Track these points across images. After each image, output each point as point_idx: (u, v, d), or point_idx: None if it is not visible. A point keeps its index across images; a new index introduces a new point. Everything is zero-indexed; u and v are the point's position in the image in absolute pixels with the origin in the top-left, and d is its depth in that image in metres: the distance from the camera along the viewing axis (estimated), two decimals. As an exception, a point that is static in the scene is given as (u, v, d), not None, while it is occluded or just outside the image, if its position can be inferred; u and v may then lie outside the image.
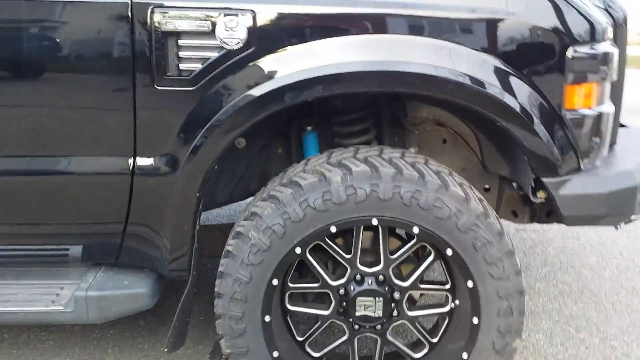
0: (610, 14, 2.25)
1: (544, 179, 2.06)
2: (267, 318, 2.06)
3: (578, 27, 2.01)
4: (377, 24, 1.94)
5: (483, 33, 1.98)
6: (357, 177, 1.94)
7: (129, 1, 1.89)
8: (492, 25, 1.98)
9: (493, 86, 1.95)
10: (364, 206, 1.96)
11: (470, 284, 2.03)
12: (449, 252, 2.01)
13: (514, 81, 1.98)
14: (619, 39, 2.30)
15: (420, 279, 2.14)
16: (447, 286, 2.13)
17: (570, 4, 2.02)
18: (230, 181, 2.49)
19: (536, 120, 1.99)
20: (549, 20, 1.99)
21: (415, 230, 1.99)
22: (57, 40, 1.92)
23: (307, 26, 1.94)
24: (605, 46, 2.06)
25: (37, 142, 2.02)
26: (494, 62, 1.97)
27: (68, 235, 2.19)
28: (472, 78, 1.94)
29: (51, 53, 1.94)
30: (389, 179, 1.94)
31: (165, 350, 2.20)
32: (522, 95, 1.98)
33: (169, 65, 1.92)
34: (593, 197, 2.07)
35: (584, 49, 2.01)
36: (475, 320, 2.07)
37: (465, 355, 2.09)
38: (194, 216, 2.05)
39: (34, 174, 2.07)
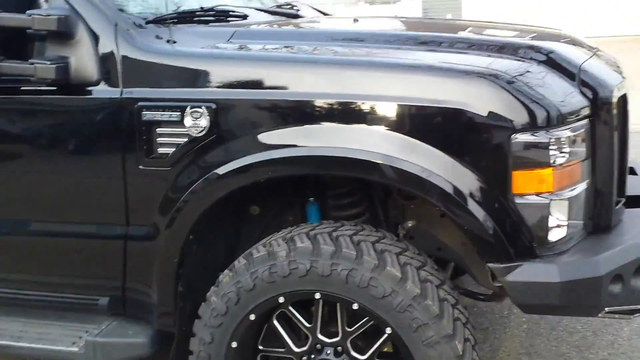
0: (591, 92, 2.14)
1: (489, 264, 2.03)
2: (230, 377, 2.24)
3: (524, 113, 1.97)
4: (318, 113, 2.09)
5: (422, 121, 2.03)
6: (300, 253, 2.08)
7: (120, 97, 2.24)
8: (432, 113, 2.03)
9: (419, 168, 1.98)
10: (306, 280, 2.08)
11: (411, 364, 2.05)
12: (388, 330, 2.05)
13: (451, 166, 2.00)
14: (608, 115, 2.17)
15: (378, 354, 2.18)
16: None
17: (519, 91, 1.99)
18: (249, 244, 2.71)
19: (473, 205, 1.98)
20: (493, 108, 1.98)
21: (355, 306, 2.07)
22: (66, 129, 2.33)
23: (259, 117, 2.14)
24: (560, 131, 1.99)
25: (63, 211, 2.43)
26: (427, 147, 2.00)
27: (96, 287, 2.55)
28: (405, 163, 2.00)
29: (63, 141, 2.36)
30: (327, 256, 2.05)
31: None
32: (459, 180, 1.99)
33: (151, 148, 2.23)
34: (543, 285, 1.98)
35: (531, 135, 1.97)
36: (420, 401, 2.07)
37: None
38: (175, 278, 2.31)
39: (64, 235, 2.47)
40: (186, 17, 2.54)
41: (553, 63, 2.19)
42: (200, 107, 2.16)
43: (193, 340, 2.27)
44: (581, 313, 2.16)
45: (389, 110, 2.04)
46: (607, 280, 2.00)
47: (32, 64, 2.21)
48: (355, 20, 2.91)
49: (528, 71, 2.09)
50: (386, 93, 2.05)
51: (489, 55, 2.19)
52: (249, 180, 2.16)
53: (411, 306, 2.00)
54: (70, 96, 2.30)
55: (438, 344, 2.00)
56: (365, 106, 2.05)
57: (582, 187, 2.09)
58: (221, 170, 2.15)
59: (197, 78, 2.21)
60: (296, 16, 3.09)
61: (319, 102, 2.09)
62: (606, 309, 2.06)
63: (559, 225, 2.04)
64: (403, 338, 2.04)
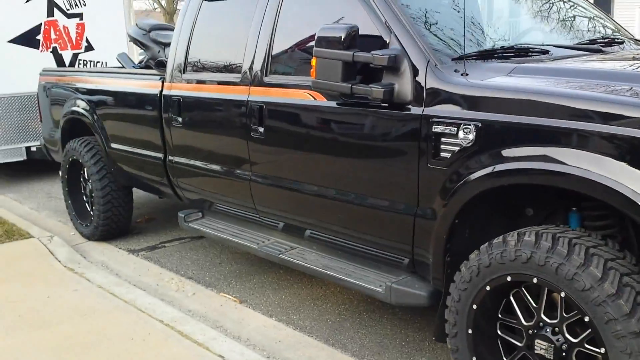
0: None
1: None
2: (470, 331, 2.83)
3: None
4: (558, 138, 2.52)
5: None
6: (525, 244, 2.56)
7: (422, 114, 3.00)
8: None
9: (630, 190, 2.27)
10: (527, 266, 2.55)
11: (602, 350, 2.37)
12: (587, 319, 2.40)
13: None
14: None
15: (587, 340, 2.52)
16: (602, 350, 2.44)
17: None
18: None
19: None
20: None
21: (562, 294, 2.46)
22: (381, 138, 3.18)
23: (514, 135, 2.66)
24: None
25: (379, 189, 3.28)
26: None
27: (399, 249, 3.37)
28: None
29: (377, 146, 3.21)
30: (544, 250, 2.49)
31: (433, 338, 3.18)
32: None
33: (437, 152, 2.94)
34: None
35: None
36: (609, 383, 2.37)
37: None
38: (444, 250, 2.99)
39: (378, 208, 3.31)
40: (487, 54, 3.15)
41: None
42: (470, 124, 2.79)
43: (449, 297, 2.92)
44: None
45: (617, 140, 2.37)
46: None
47: (370, 87, 3.11)
48: (635, 58, 3.10)
49: None
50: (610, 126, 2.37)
51: None
52: (497, 184, 2.70)
53: (605, 302, 2.32)
54: (392, 111, 3.14)
55: (625, 338, 2.28)
56: (596, 135, 2.41)
57: None
58: (479, 174, 2.75)
59: (472, 102, 2.83)
60: (599, 51, 3.38)
61: (560, 130, 2.52)
62: None
63: None
64: (597, 326, 2.36)
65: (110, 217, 5.72)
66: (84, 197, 6.04)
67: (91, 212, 5.89)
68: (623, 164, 2.35)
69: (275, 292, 4.59)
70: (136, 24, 6.31)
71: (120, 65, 6.52)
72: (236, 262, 5.24)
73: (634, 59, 3.14)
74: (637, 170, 2.32)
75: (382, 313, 4.15)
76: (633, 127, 2.33)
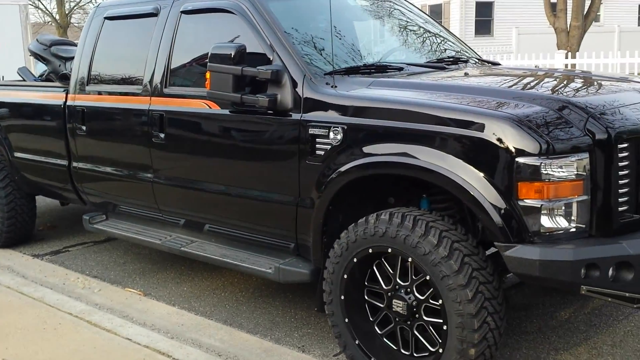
0: (591, 135, 2.84)
1: (496, 242, 2.87)
2: (342, 297, 3.39)
3: (526, 144, 2.79)
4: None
5: (462, 145, 2.96)
6: (381, 222, 3.16)
7: (300, 119, 3.56)
8: (470, 141, 2.95)
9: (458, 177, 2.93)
10: (383, 239, 3.15)
11: (440, 301, 2.99)
12: (428, 278, 3.02)
13: (477, 178, 2.90)
14: (606, 151, 2.84)
15: (431, 297, 3.14)
16: (440, 302, 3.06)
17: (527, 130, 2.81)
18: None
19: (489, 205, 2.85)
20: (505, 139, 2.83)
21: (410, 260, 3.08)
22: (268, 141, 3.72)
23: (370, 135, 3.27)
24: (553, 159, 2.76)
25: (266, 183, 3.81)
26: (463, 163, 2.93)
27: (286, 236, 3.89)
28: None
29: (264, 147, 3.74)
30: (395, 225, 3.10)
31: (316, 309, 3.71)
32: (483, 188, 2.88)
33: (313, 151, 3.50)
34: (527, 261, 2.77)
35: (528, 159, 2.77)
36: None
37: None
38: (321, 233, 3.55)
39: (265, 200, 3.83)
40: (353, 70, 3.77)
41: (570, 112, 2.92)
42: (338, 127, 3.37)
43: (325, 271, 3.48)
44: (563, 287, 2.82)
45: (441, 136, 3.02)
46: (578, 266, 2.70)
47: (257, 97, 3.63)
48: (466, 74, 3.83)
49: (542, 117, 2.87)
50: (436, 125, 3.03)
51: (522, 104, 3.00)
52: (359, 175, 3.29)
53: (440, 263, 2.95)
54: (275, 117, 3.67)
55: (455, 290, 2.91)
56: (426, 133, 3.06)
57: (576, 199, 2.79)
58: (345, 167, 3.33)
59: (339, 109, 3.42)
60: (443, 68, 4.09)
61: (401, 130, 3.14)
62: (584, 287, 2.74)
63: (549, 223, 2.79)
64: (435, 283, 2.98)
65: (14, 224, 5.88)
66: (-14, 206, 6.14)
67: (-6, 220, 6.01)
68: (459, 159, 2.99)
69: (177, 285, 4.99)
70: (37, 40, 6.51)
71: (21, 79, 6.67)
72: (139, 262, 5.58)
73: (465, 74, 3.86)
74: (467, 164, 2.95)
75: (274, 297, 4.66)
76: (459, 129, 2.98)
